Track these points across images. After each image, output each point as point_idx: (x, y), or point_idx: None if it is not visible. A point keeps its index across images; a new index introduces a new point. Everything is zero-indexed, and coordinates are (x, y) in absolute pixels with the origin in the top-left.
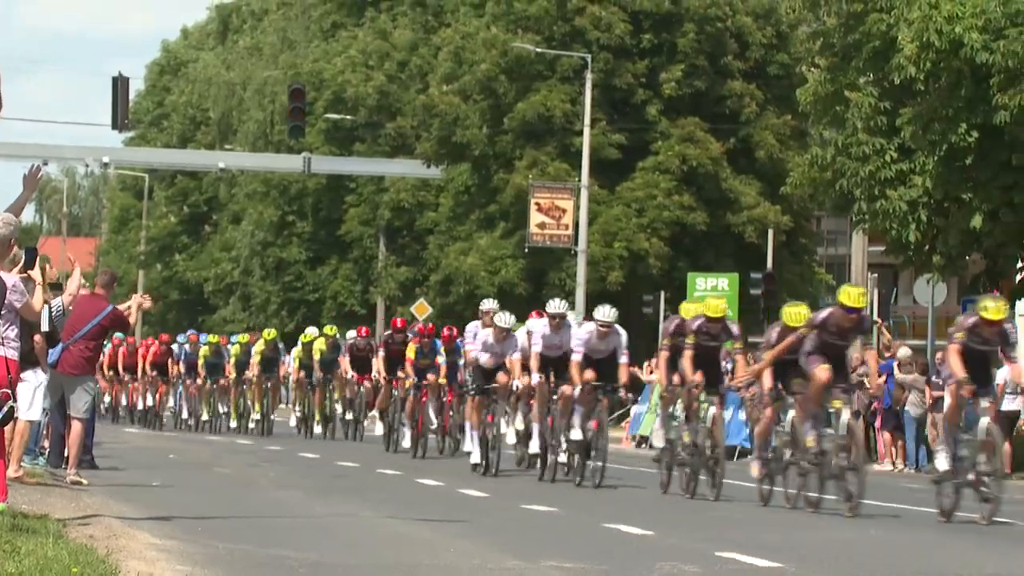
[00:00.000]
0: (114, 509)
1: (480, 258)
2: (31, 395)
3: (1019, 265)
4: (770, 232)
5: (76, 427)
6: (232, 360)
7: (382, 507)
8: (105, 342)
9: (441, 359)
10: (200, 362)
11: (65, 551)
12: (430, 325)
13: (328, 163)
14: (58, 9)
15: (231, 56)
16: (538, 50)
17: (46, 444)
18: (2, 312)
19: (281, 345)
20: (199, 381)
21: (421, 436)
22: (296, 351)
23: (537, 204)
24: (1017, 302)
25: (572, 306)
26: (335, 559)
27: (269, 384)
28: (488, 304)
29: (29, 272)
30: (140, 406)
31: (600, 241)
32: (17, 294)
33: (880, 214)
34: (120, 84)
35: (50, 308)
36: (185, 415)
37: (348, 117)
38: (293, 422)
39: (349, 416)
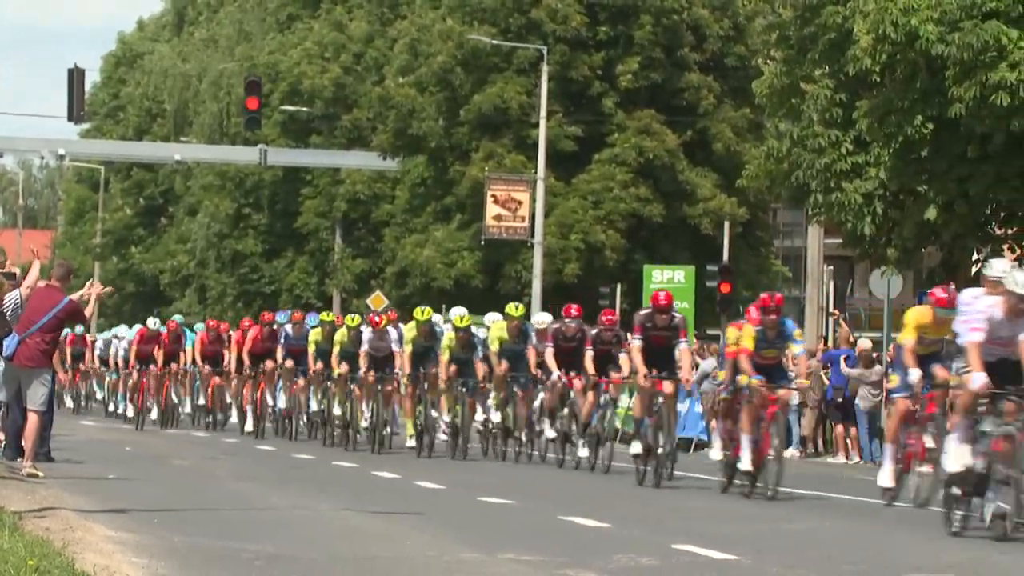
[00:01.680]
0: (70, 502)
1: (436, 250)
2: None
3: (975, 257)
4: (726, 224)
5: (32, 419)
6: (337, 348)
7: (339, 499)
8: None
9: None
10: (311, 348)
11: (21, 543)
12: (391, 313)
13: (284, 155)
14: (13, 0)
15: (187, 48)
16: (494, 42)
17: (1, 436)
18: None
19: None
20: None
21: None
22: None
23: (493, 196)
24: None
25: (528, 298)
26: (291, 551)
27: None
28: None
29: None
30: (197, 401)
31: (556, 233)
32: None
33: (836, 206)
34: (76, 76)
35: (0, 301)
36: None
37: (304, 109)
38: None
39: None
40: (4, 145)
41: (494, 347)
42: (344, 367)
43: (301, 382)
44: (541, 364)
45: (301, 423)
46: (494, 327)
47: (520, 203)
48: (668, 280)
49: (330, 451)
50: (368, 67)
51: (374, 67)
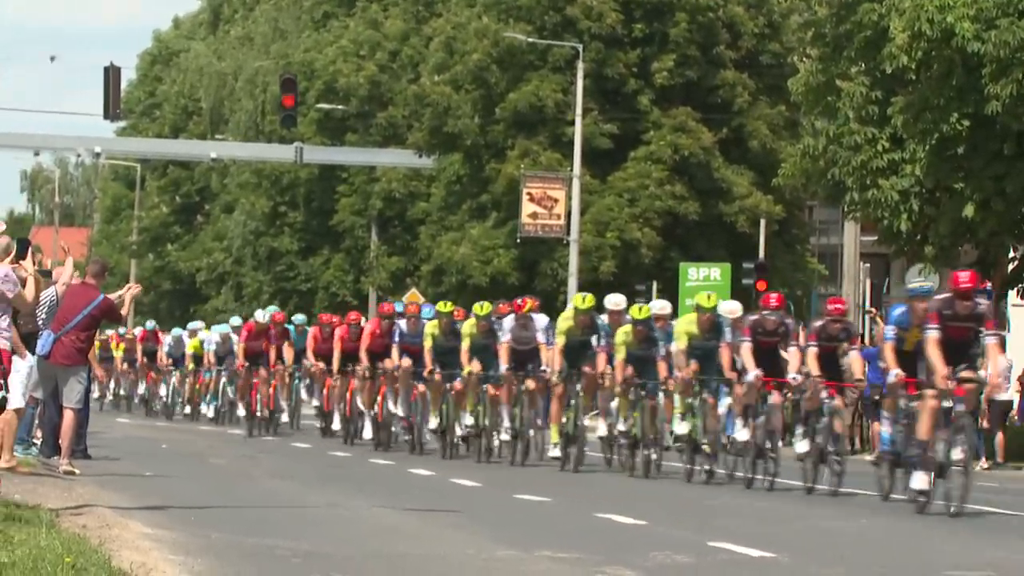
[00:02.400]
0: (107, 499)
1: (472, 248)
2: (13, 384)
3: (1011, 255)
4: (762, 222)
5: (68, 417)
6: (466, 343)
7: (375, 497)
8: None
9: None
10: (427, 344)
11: (58, 541)
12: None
13: (320, 153)
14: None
15: (223, 46)
16: (529, 40)
17: (39, 434)
18: None
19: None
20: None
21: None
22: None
23: (529, 194)
24: (1009, 292)
25: (564, 296)
26: (327, 549)
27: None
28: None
29: (21, 263)
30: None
31: (592, 231)
32: (9, 284)
33: (872, 203)
34: (112, 74)
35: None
36: (432, 426)
37: (340, 107)
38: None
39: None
40: (41, 143)
41: (681, 344)
42: (476, 365)
43: (421, 387)
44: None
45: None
46: (680, 322)
47: (556, 201)
48: (704, 278)
49: (369, 449)
50: (404, 65)
51: (410, 65)
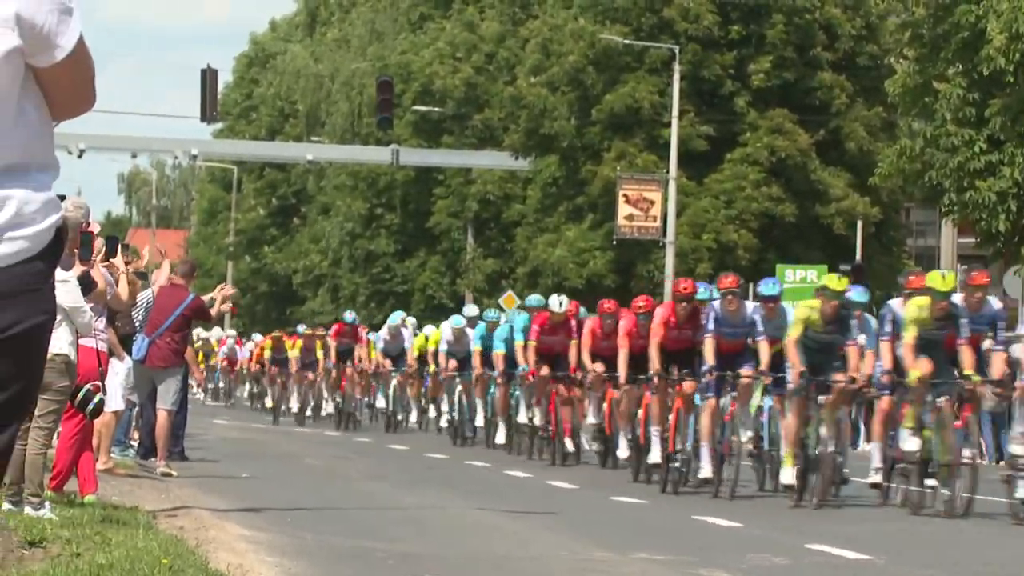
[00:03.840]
0: (204, 501)
1: (568, 250)
2: (109, 386)
3: None
4: (859, 223)
5: (163, 418)
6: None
7: (471, 498)
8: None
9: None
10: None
11: (155, 542)
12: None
13: (416, 155)
14: (146, 1)
15: (319, 48)
16: (626, 41)
17: (136, 435)
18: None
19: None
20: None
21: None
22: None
23: (625, 196)
24: None
25: (660, 299)
26: (423, 550)
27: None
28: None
29: (111, 261)
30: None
31: (688, 233)
32: (106, 285)
33: (969, 205)
34: (208, 76)
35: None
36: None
37: (436, 109)
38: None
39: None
40: (138, 145)
41: (911, 334)
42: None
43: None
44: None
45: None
46: (911, 304)
47: (652, 203)
48: (801, 280)
49: (465, 450)
50: (500, 67)
51: (506, 67)
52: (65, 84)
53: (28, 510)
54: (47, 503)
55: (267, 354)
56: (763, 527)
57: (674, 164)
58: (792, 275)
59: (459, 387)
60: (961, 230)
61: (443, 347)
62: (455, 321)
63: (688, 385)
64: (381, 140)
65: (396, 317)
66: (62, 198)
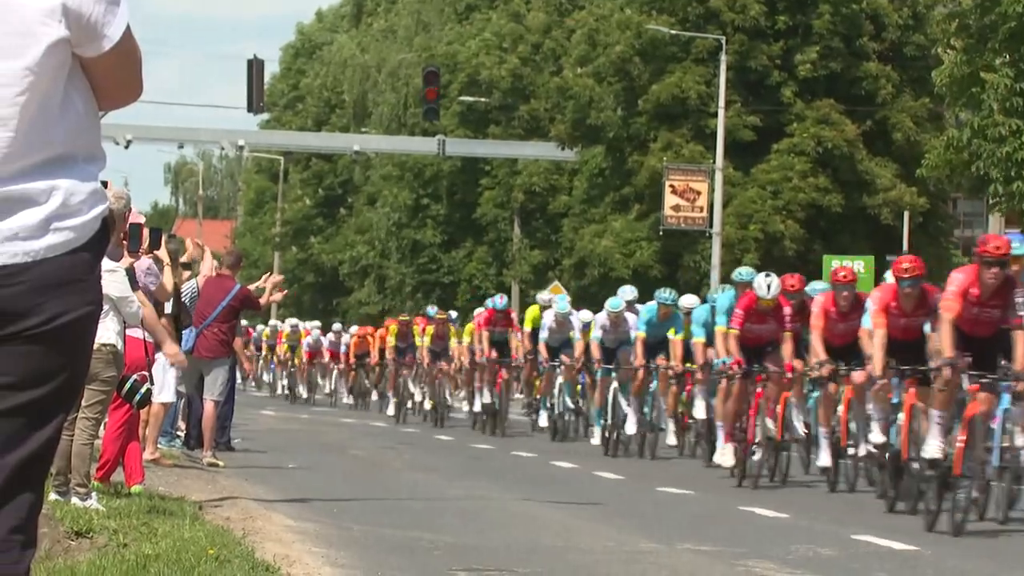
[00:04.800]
0: (250, 491)
1: (614, 240)
2: (162, 377)
3: None
4: (906, 214)
5: (209, 409)
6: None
7: (518, 490)
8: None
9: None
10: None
11: (202, 533)
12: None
13: (462, 146)
14: None
15: (366, 39)
16: (672, 32)
17: (182, 426)
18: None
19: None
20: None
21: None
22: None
23: (672, 186)
24: None
25: (707, 289)
26: (470, 541)
27: None
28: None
29: (156, 252)
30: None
31: (735, 223)
32: (152, 276)
33: (1017, 195)
34: (255, 67)
35: (179, 291)
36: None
37: (482, 100)
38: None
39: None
40: (185, 136)
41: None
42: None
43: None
44: None
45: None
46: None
47: (698, 193)
48: None
49: (510, 440)
50: (546, 57)
51: (552, 57)
52: (112, 74)
53: (75, 500)
54: (94, 493)
55: (390, 342)
56: (809, 518)
57: (720, 154)
58: (839, 265)
59: (614, 384)
60: (1008, 220)
61: (596, 334)
62: (612, 304)
63: (858, 375)
64: (427, 131)
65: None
66: (104, 185)
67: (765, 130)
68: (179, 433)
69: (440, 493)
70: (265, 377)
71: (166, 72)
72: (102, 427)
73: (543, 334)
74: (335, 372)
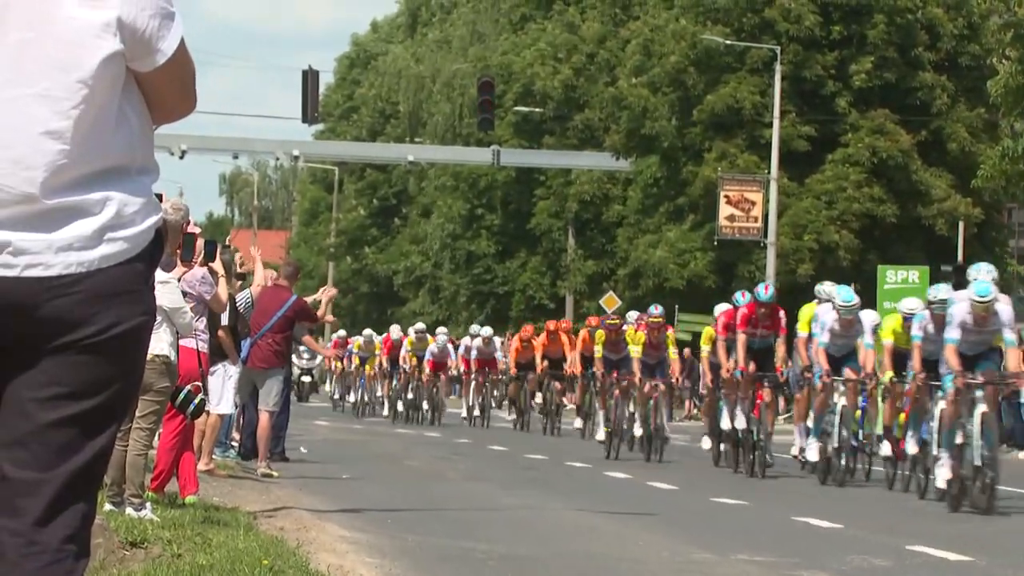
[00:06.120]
0: (304, 501)
1: (669, 250)
2: (221, 388)
3: None
4: (960, 224)
5: (264, 419)
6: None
7: (570, 499)
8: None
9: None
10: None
11: (256, 543)
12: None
13: (517, 156)
14: (247, 3)
15: (420, 49)
16: (727, 42)
17: (237, 436)
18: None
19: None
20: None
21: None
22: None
23: (726, 196)
24: None
25: None
26: (524, 551)
27: None
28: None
29: (211, 264)
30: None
31: (790, 233)
32: (207, 286)
33: None
34: (310, 77)
35: (235, 301)
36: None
37: (537, 110)
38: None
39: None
40: (240, 146)
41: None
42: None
43: None
44: None
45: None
46: None
47: (753, 203)
48: (903, 280)
49: (565, 451)
50: (600, 67)
51: (606, 67)
52: (166, 88)
53: (129, 511)
54: (148, 504)
55: (599, 351)
56: (863, 528)
57: (775, 164)
58: (894, 276)
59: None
60: None
61: (824, 339)
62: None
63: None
64: (482, 141)
65: None
66: (159, 198)
67: (820, 140)
68: (233, 443)
69: (493, 503)
70: (351, 397)
71: (221, 83)
72: (156, 437)
73: (823, 338)
74: (473, 385)
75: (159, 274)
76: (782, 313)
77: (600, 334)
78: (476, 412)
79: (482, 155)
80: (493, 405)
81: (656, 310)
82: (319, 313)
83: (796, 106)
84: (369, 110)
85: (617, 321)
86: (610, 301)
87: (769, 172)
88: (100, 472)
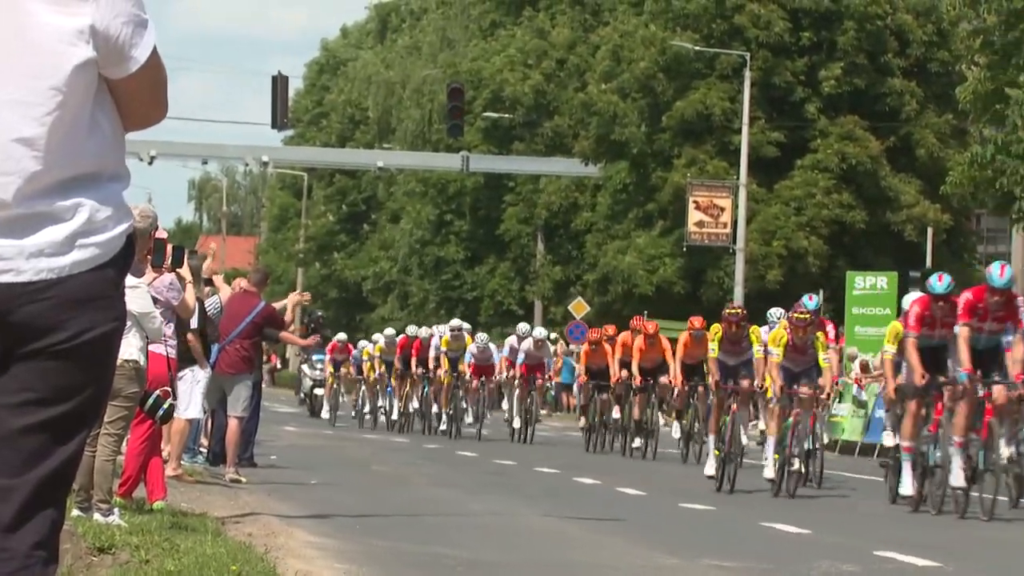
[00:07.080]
0: (272, 507)
1: (638, 256)
2: (189, 394)
3: None
4: (929, 230)
5: (233, 425)
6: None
7: (539, 505)
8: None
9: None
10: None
11: (224, 549)
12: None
13: (486, 162)
14: (217, 9)
15: (390, 55)
16: (697, 48)
17: (205, 442)
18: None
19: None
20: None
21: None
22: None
23: (695, 202)
24: None
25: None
26: (492, 557)
27: None
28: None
29: (178, 270)
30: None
31: (759, 239)
32: (174, 292)
33: None
34: (279, 83)
35: (203, 305)
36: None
37: (506, 116)
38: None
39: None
40: (209, 152)
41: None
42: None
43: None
44: None
45: None
46: None
47: (722, 209)
48: (871, 286)
49: (533, 456)
50: (570, 73)
51: (576, 73)
52: (138, 95)
53: (97, 516)
54: (116, 509)
55: (713, 351)
56: (831, 534)
57: (744, 171)
58: (862, 282)
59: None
60: None
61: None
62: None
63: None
64: (451, 147)
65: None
66: None
67: (789, 146)
68: (202, 449)
69: (462, 508)
70: (366, 407)
71: (190, 88)
72: (124, 443)
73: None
74: (517, 394)
75: (129, 279)
76: (1021, 300)
77: (716, 328)
78: (516, 424)
79: (451, 161)
80: (539, 418)
81: (811, 301)
82: (287, 318)
83: (765, 112)
84: (339, 116)
85: (739, 311)
86: (579, 307)
87: (738, 178)
88: (70, 478)
